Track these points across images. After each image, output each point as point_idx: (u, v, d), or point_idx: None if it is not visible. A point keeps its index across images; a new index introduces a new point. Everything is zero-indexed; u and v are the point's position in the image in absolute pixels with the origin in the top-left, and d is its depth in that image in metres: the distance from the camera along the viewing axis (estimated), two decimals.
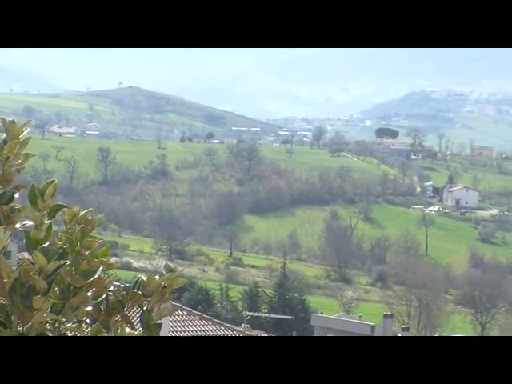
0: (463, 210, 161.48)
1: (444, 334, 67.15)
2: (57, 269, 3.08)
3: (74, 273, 3.14)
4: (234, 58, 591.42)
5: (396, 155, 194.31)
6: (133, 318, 3.31)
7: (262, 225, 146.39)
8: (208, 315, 34.14)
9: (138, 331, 3.16)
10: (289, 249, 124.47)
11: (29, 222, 3.21)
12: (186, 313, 29.77)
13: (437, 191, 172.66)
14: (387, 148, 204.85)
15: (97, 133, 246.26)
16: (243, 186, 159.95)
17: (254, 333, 39.36)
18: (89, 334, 3.10)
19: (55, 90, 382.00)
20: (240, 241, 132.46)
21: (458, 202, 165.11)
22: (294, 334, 65.18)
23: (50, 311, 3.02)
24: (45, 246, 3.14)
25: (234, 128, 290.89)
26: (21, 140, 3.29)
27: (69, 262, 3.15)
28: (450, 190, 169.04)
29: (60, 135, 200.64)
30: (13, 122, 3.34)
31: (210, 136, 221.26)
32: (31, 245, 3.14)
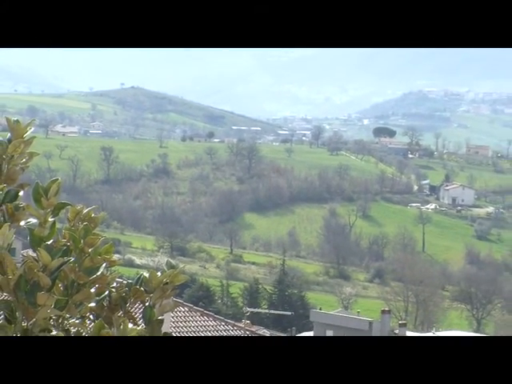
0: (459, 208, 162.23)
1: (441, 330, 67.00)
2: (60, 266, 3.09)
3: (77, 270, 3.16)
4: (234, 58, 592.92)
5: (393, 154, 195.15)
6: (135, 313, 3.34)
7: (262, 222, 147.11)
8: (209, 311, 34.17)
9: (141, 327, 3.19)
10: (288, 246, 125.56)
11: (33, 220, 3.23)
12: (187, 309, 29.63)
13: (433, 189, 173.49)
14: (385, 147, 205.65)
15: (100, 132, 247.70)
16: (243, 184, 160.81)
17: (254, 328, 39.81)
18: (92, 330, 3.13)
19: (58, 91, 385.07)
20: (240, 238, 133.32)
21: (454, 200, 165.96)
22: (294, 329, 66.17)
23: (54, 307, 3.05)
24: (49, 243, 3.17)
25: (234, 127, 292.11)
26: (25, 139, 3.31)
27: (72, 259, 3.17)
28: (447, 188, 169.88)
29: (63, 134, 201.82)
30: (17, 121, 3.37)
31: (211, 135, 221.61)
32: (35, 242, 3.16)
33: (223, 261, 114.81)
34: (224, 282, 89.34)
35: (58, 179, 3.29)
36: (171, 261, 3.48)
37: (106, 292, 3.26)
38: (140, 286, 3.27)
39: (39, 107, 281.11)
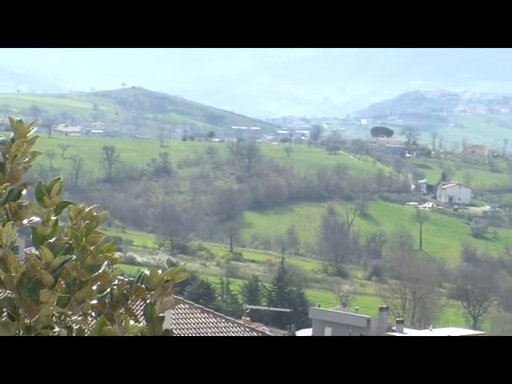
0: (456, 207, 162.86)
1: (438, 327, 67.05)
2: (63, 263, 3.09)
3: (79, 267, 3.16)
4: (233, 59, 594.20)
5: (391, 153, 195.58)
6: (136, 311, 3.34)
7: (262, 221, 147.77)
8: (209, 308, 34.05)
9: (142, 324, 3.20)
10: (287, 244, 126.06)
11: (36, 218, 3.23)
12: (187, 306, 29.52)
13: (430, 188, 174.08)
14: (382, 146, 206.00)
15: (101, 132, 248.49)
16: (243, 183, 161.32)
17: (253, 325, 39.74)
18: (94, 327, 3.12)
19: (61, 91, 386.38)
20: (240, 236, 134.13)
21: (451, 198, 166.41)
22: (293, 326, 66.81)
23: (57, 304, 3.05)
24: (51, 241, 3.17)
25: (234, 127, 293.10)
26: (28, 139, 3.31)
27: (74, 257, 3.17)
28: (444, 187, 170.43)
29: (66, 134, 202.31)
30: (20, 121, 3.36)
31: (211, 135, 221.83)
32: (38, 240, 3.16)
33: (223, 259, 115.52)
34: (224, 279, 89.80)
35: (60, 178, 3.30)
36: (172, 259, 3.51)
37: (108, 289, 3.28)
38: (141, 283, 3.30)
39: (42, 107, 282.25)
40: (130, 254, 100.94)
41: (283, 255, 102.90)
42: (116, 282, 3.34)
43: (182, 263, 3.43)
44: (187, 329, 28.13)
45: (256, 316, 65.25)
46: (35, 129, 3.40)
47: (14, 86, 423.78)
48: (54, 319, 3.15)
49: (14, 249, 3.17)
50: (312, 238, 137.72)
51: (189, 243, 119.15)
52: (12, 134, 3.38)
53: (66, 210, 3.33)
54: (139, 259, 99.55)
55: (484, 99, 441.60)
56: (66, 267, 3.17)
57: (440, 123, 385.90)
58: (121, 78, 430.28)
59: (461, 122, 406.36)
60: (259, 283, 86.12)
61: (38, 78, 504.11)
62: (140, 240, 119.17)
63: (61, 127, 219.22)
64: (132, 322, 3.20)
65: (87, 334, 3.19)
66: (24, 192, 3.33)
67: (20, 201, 3.29)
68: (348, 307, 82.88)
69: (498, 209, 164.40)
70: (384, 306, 66.17)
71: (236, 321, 32.29)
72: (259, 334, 31.46)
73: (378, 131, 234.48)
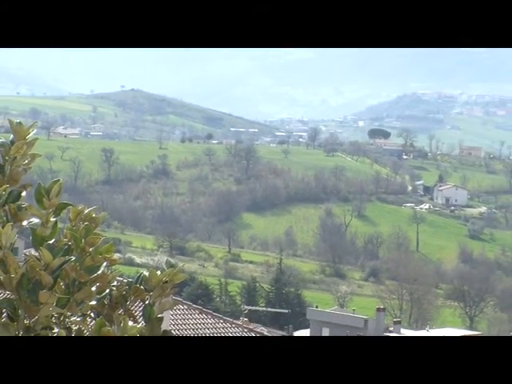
0: (453, 208, 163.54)
1: (434, 327, 67.24)
2: (62, 264, 3.10)
3: (78, 268, 3.17)
4: (232, 61, 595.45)
5: (388, 155, 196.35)
6: (135, 311, 3.34)
7: (260, 222, 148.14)
8: (208, 309, 33.99)
9: (141, 325, 3.20)
10: (285, 245, 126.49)
11: (35, 220, 3.24)
12: (186, 307, 29.53)
13: (427, 190, 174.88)
14: (380, 148, 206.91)
15: (100, 134, 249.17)
16: (241, 184, 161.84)
17: (251, 326, 39.69)
18: (93, 328, 3.12)
19: (60, 93, 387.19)
20: (238, 237, 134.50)
21: (447, 200, 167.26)
22: (291, 327, 66.50)
23: (56, 305, 3.05)
24: (50, 242, 3.18)
25: (232, 129, 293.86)
26: (27, 141, 3.31)
27: (74, 258, 3.17)
28: (440, 188, 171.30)
29: (65, 136, 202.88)
30: (20, 123, 3.36)
31: (210, 137, 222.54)
32: (37, 241, 3.17)
33: (221, 260, 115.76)
34: (222, 280, 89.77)
35: (59, 180, 3.30)
36: (170, 260, 3.60)
37: (107, 290, 3.28)
38: (140, 284, 3.30)
39: (41, 109, 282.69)
40: (128, 255, 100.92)
41: (281, 256, 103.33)
42: (115, 283, 3.34)
43: (180, 264, 3.43)
44: (186, 329, 28.11)
45: (254, 317, 65.22)
46: (34, 131, 3.40)
47: (13, 88, 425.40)
48: (54, 320, 3.15)
49: (14, 250, 3.17)
50: (310, 239, 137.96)
51: (187, 244, 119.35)
52: (11, 136, 3.38)
53: (65, 211, 3.33)
54: (138, 260, 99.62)
55: (480, 101, 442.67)
56: (66, 268, 3.17)
57: (437, 125, 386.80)
58: (120, 80, 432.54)
59: (457, 124, 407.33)
60: (257, 284, 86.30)
61: (37, 80, 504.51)
62: (139, 241, 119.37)
63: (60, 129, 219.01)
64: (131, 323, 3.19)
65: (86, 334, 3.19)
66: (23, 194, 3.33)
67: (19, 202, 3.29)
68: (345, 308, 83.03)
69: (494, 210, 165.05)
70: (381, 306, 66.03)
71: (234, 321, 32.24)
72: (257, 335, 31.21)
73: (376, 133, 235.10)
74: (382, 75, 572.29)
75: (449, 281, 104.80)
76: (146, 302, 3.30)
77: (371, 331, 56.99)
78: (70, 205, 3.37)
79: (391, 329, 59.25)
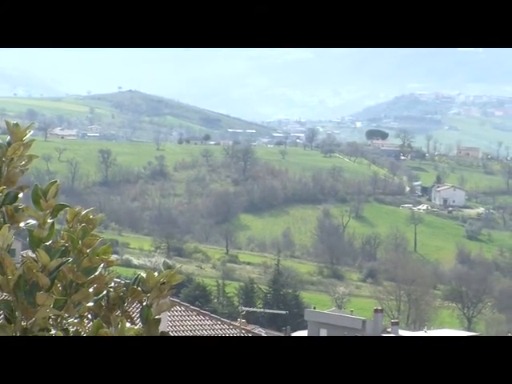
0: (450, 209, 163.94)
1: (432, 328, 67.55)
2: (59, 266, 3.10)
3: (75, 270, 3.17)
4: (229, 62, 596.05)
5: (386, 156, 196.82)
6: (133, 313, 3.35)
7: (257, 223, 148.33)
8: (205, 310, 34.10)
9: (138, 326, 3.20)
10: (283, 246, 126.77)
11: (32, 221, 3.24)
12: (183, 308, 29.57)
13: (425, 190, 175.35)
14: (377, 149, 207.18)
15: (97, 135, 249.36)
16: (239, 185, 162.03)
17: (249, 327, 39.85)
18: (90, 329, 3.13)
19: (57, 94, 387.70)
20: (236, 239, 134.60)
21: (445, 200, 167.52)
22: (288, 328, 66.88)
23: (53, 307, 3.05)
24: (48, 244, 3.18)
25: (229, 130, 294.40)
26: (24, 142, 3.32)
27: (71, 260, 3.17)
28: (438, 189, 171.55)
29: (62, 137, 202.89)
30: (17, 124, 3.37)
31: (207, 138, 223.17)
32: (34, 243, 3.17)
33: (219, 261, 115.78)
34: (220, 281, 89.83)
35: (56, 181, 3.30)
36: (168, 261, 3.52)
37: (104, 292, 3.28)
38: (137, 285, 3.30)
39: (38, 111, 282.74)
40: (126, 256, 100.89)
41: (279, 257, 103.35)
42: (112, 284, 3.33)
43: (178, 265, 3.47)
44: (183, 331, 28.11)
45: (252, 318, 65.27)
46: (31, 132, 3.40)
47: (10, 89, 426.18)
48: (51, 322, 3.15)
49: (11, 252, 3.16)
50: (307, 241, 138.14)
51: (185, 246, 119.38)
52: (8, 137, 3.37)
53: (62, 212, 3.33)
54: (135, 262, 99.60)
55: (478, 102, 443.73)
56: (63, 270, 3.16)
57: (434, 126, 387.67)
58: (117, 81, 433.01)
59: (455, 124, 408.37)
60: (255, 285, 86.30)
61: (34, 81, 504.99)
62: (136, 242, 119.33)
63: (57, 130, 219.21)
64: (128, 325, 3.20)
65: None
66: (20, 195, 3.32)
67: (16, 204, 3.29)
68: (343, 309, 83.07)
69: (492, 211, 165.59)
70: (379, 307, 66.37)
71: (232, 323, 32.30)
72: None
73: (373, 134, 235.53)
74: (380, 76, 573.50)
75: (447, 282, 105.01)
76: (144, 304, 3.29)
77: (369, 332, 57.01)
78: (67, 206, 3.37)
79: (389, 330, 59.20)
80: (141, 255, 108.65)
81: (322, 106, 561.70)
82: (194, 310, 30.30)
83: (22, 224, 3.28)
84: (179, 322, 28.58)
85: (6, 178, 3.31)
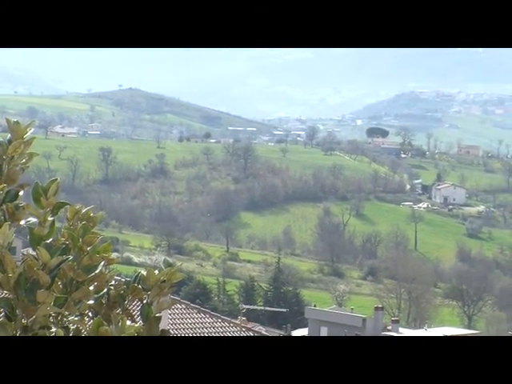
0: (451, 207, 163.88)
1: (433, 327, 67.48)
2: (60, 264, 3.11)
3: (76, 268, 3.17)
4: (230, 61, 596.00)
5: (386, 154, 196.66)
6: (133, 311, 3.35)
7: (258, 221, 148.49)
8: (206, 308, 34.09)
9: (139, 324, 3.20)
10: (283, 244, 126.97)
11: (33, 219, 3.24)
12: (184, 306, 29.52)
13: (425, 188, 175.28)
14: (378, 147, 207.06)
15: (98, 133, 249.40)
16: (239, 183, 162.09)
17: (249, 325, 39.94)
18: (91, 327, 3.13)
19: (58, 92, 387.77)
20: (236, 237, 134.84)
21: (445, 198, 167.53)
22: (289, 326, 67.07)
23: (54, 305, 3.06)
24: (48, 241, 3.18)
25: (230, 128, 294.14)
26: (25, 140, 3.31)
27: (71, 258, 3.18)
28: (439, 187, 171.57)
29: (63, 135, 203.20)
30: (17, 122, 3.36)
31: (208, 136, 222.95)
32: (35, 241, 3.18)
33: (219, 259, 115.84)
34: (220, 279, 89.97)
35: (57, 179, 3.30)
36: (168, 259, 3.51)
37: (105, 290, 3.29)
38: (138, 283, 3.31)
39: (39, 108, 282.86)
40: (126, 254, 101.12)
41: (279, 255, 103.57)
42: (113, 282, 3.34)
43: (178, 263, 3.45)
44: (184, 329, 28.15)
45: (252, 316, 65.34)
46: (32, 130, 3.40)
47: (11, 87, 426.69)
48: (51, 319, 3.16)
49: (12, 250, 3.17)
50: (308, 238, 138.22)
51: (185, 243, 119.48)
52: (9, 135, 3.38)
53: (62, 210, 3.33)
54: (136, 260, 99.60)
55: (478, 100, 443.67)
56: (63, 268, 3.17)
57: (435, 124, 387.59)
58: (117, 79, 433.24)
59: (455, 122, 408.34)
60: (255, 283, 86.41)
61: (35, 79, 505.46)
62: (137, 240, 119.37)
63: (58, 128, 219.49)
64: (129, 323, 3.20)
65: (84, 334, 3.19)
66: (21, 193, 3.33)
67: (17, 202, 3.29)
68: (344, 307, 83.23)
69: (492, 209, 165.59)
70: (379, 305, 66.28)
71: (232, 321, 32.35)
72: (255, 334, 31.49)
73: (374, 132, 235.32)
74: (380, 75, 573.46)
75: (447, 280, 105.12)
76: (144, 302, 3.30)
77: (369, 330, 57.11)
78: (68, 204, 3.37)
79: (389, 328, 59.34)
80: (141, 253, 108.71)
81: (323, 104, 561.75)
82: (195, 308, 30.33)
83: (22, 222, 3.28)
84: (180, 319, 28.58)
85: (6, 175, 3.30)
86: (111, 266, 3.36)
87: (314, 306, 72.62)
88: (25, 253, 3.29)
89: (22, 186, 3.35)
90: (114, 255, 3.38)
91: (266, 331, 49.41)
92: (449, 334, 54.11)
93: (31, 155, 3.38)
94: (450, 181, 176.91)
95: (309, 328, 62.58)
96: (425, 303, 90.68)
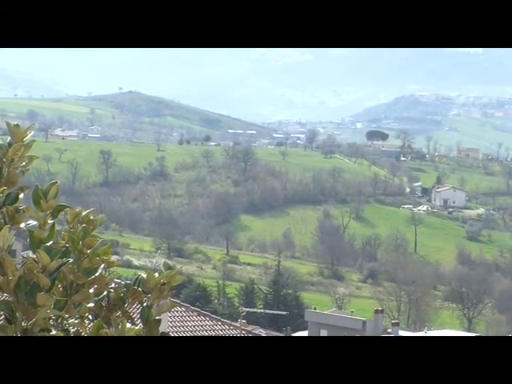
0: (451, 210, 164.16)
1: (432, 329, 67.79)
2: (60, 267, 3.11)
3: (76, 270, 3.17)
4: (229, 64, 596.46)
5: (386, 157, 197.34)
6: (133, 313, 3.35)
7: (258, 224, 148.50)
8: (206, 311, 34.18)
9: (139, 327, 3.20)
10: (283, 247, 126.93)
11: (33, 222, 3.24)
12: (184, 309, 29.63)
13: (425, 191, 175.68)
14: (378, 150, 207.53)
15: (98, 136, 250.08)
16: (239, 186, 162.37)
17: (249, 328, 39.90)
18: (91, 330, 3.13)
19: (58, 95, 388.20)
20: (236, 239, 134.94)
21: (445, 201, 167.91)
22: (289, 328, 66.86)
23: (54, 308, 3.05)
24: (48, 244, 3.18)
25: (230, 131, 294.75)
26: (25, 143, 3.32)
27: (71, 260, 3.17)
28: (438, 190, 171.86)
29: (63, 138, 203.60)
30: (17, 125, 3.37)
31: (207, 139, 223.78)
32: (35, 244, 3.18)
33: (219, 262, 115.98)
34: (220, 282, 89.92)
35: (57, 182, 3.31)
36: (168, 262, 3.52)
37: (105, 292, 3.29)
38: (138, 286, 3.30)
39: (39, 111, 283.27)
40: (126, 257, 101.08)
41: (279, 258, 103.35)
42: (113, 285, 3.34)
43: (178, 266, 3.46)
44: (184, 331, 28.13)
45: (252, 319, 65.08)
46: (32, 133, 3.41)
47: (11, 90, 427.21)
48: (51, 322, 3.15)
49: (11, 252, 3.17)
50: (308, 241, 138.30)
51: (185, 246, 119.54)
52: (9, 138, 3.38)
53: (62, 213, 3.33)
54: (136, 262, 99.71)
55: (478, 103, 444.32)
56: (63, 270, 3.17)
57: (434, 127, 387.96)
58: (117, 82, 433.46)
59: (455, 125, 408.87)
60: (255, 286, 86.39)
61: (35, 82, 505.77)
62: (137, 243, 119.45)
63: (58, 131, 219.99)
64: (129, 325, 3.20)
65: None
66: (21, 196, 3.32)
67: (17, 204, 3.29)
68: (343, 310, 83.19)
69: (492, 212, 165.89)
70: (379, 308, 66.39)
71: (232, 323, 32.35)
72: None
73: (373, 135, 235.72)
74: (380, 77, 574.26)
75: (447, 282, 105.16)
76: (144, 304, 3.29)
77: (369, 333, 57.01)
78: (68, 207, 3.37)
79: (389, 330, 59.24)
80: (141, 256, 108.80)
81: (323, 106, 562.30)
82: (195, 311, 30.29)
83: (22, 225, 3.28)
84: (180, 322, 28.57)
85: (6, 178, 3.31)
86: (111, 269, 3.36)
87: (314, 308, 72.58)
88: (25, 255, 3.30)
89: (22, 189, 3.35)
90: (113, 258, 3.39)
91: (266, 334, 49.34)
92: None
93: (31, 158, 3.38)
94: (449, 184, 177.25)
95: (309, 331, 62.50)
96: (425, 306, 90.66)
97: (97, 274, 3.25)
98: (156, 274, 3.34)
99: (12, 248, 3.18)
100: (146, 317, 3.24)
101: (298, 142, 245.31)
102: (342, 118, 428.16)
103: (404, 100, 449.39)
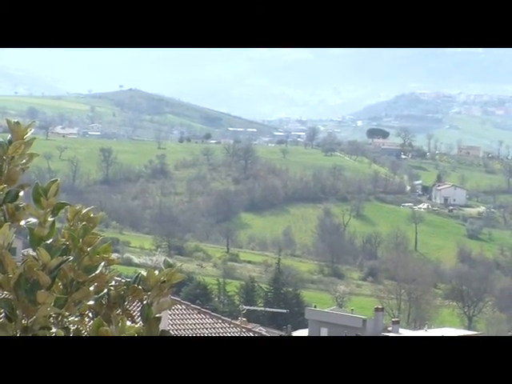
0: (451, 208, 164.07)
1: (433, 327, 67.65)
2: (60, 264, 3.11)
3: (76, 268, 3.18)
4: (230, 62, 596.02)
5: (387, 155, 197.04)
6: (133, 311, 3.35)
7: (258, 222, 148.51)
8: (206, 309, 34.06)
9: (139, 325, 3.21)
10: (284, 245, 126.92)
11: (33, 220, 3.24)
12: (184, 307, 29.55)
13: (426, 189, 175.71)
14: (378, 148, 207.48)
15: (98, 133, 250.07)
16: (239, 184, 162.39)
17: (250, 326, 39.92)
18: (91, 328, 3.13)
19: (58, 93, 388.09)
20: (236, 237, 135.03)
21: (446, 199, 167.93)
22: (289, 326, 67.13)
23: (54, 305, 3.06)
24: (48, 242, 3.18)
25: (230, 129, 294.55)
26: (25, 140, 3.32)
27: (71, 258, 3.18)
28: (439, 188, 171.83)
29: (63, 136, 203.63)
30: (18, 123, 3.37)
31: (208, 136, 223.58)
32: (35, 241, 3.18)
33: (220, 260, 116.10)
34: (221, 280, 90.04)
35: (57, 180, 3.31)
36: (169, 260, 3.51)
37: (105, 290, 3.29)
38: (138, 284, 3.31)
39: (39, 109, 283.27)
40: (127, 255, 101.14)
41: (279, 256, 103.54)
42: (113, 282, 3.34)
43: (178, 264, 3.45)
44: (184, 329, 28.11)
45: (252, 317, 65.33)
46: (32, 130, 3.41)
47: (11, 87, 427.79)
48: (52, 320, 3.16)
49: (12, 250, 3.17)
50: (308, 239, 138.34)
51: (185, 244, 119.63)
52: (9, 135, 3.38)
53: (63, 211, 3.33)
54: (136, 260, 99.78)
55: (479, 101, 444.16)
56: (63, 268, 3.17)
57: (435, 125, 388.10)
58: (118, 79, 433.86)
59: (456, 123, 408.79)
60: (255, 284, 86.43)
61: (35, 79, 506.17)
62: (137, 241, 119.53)
63: (58, 129, 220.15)
64: (129, 323, 3.21)
65: (84, 334, 3.19)
66: (21, 193, 3.33)
67: (17, 202, 3.29)
68: (344, 308, 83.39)
69: (492, 210, 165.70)
70: (379, 306, 66.24)
71: (232, 321, 32.35)
72: (256, 335, 31.39)
73: (374, 133, 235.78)
74: (381, 75, 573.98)
75: (447, 280, 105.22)
76: (144, 302, 3.30)
77: (369, 331, 57.13)
78: (68, 204, 3.37)
79: (389, 329, 59.39)
80: (141, 254, 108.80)
81: (323, 104, 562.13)
82: (195, 309, 30.33)
83: (22, 222, 3.28)
84: (180, 320, 28.57)
85: (6, 176, 3.31)
86: (111, 267, 3.36)
87: (315, 306, 72.69)
88: (25, 253, 3.29)
89: (22, 187, 3.35)
90: (114, 256, 3.38)
91: (266, 332, 49.38)
92: (449, 335, 54.05)
93: (31, 156, 3.38)
94: (450, 182, 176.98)
95: (309, 329, 62.64)
96: (425, 304, 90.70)
97: (97, 272, 3.25)
98: (156, 272, 3.35)
99: (12, 246, 3.19)
100: (146, 315, 3.24)
101: (299, 139, 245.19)
102: (342, 116, 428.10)
103: (404, 98, 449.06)
